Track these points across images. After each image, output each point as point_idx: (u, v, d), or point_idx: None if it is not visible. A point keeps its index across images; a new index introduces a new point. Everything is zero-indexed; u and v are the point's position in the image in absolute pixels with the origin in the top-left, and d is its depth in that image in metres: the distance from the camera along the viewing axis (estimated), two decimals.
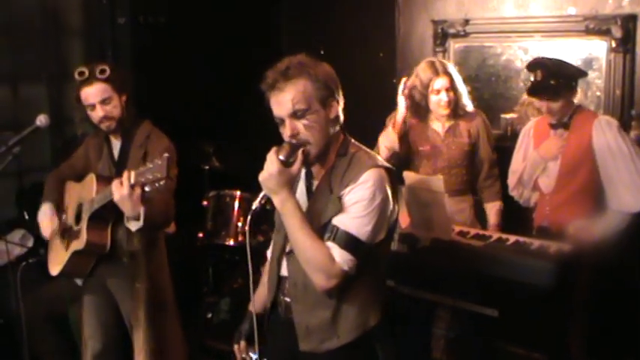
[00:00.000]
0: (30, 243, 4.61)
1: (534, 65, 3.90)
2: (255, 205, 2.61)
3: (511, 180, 4.20)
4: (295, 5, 6.07)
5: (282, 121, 2.53)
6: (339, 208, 2.51)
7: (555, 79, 3.78)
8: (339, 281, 2.47)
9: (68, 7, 5.30)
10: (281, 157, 2.46)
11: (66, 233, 3.75)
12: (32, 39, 5.10)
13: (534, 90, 3.89)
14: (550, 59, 3.92)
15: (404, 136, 4.37)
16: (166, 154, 3.00)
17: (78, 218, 3.65)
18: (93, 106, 3.59)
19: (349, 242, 2.46)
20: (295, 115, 2.50)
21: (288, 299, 2.69)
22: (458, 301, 3.63)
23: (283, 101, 2.50)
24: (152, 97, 5.04)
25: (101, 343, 3.89)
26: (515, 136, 5.04)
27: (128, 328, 3.82)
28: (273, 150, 2.49)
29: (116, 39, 5.21)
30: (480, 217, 4.44)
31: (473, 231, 3.86)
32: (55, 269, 3.77)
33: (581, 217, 3.81)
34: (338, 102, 2.61)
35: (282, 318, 2.73)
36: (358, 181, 2.50)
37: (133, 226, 3.36)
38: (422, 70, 4.29)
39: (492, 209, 4.42)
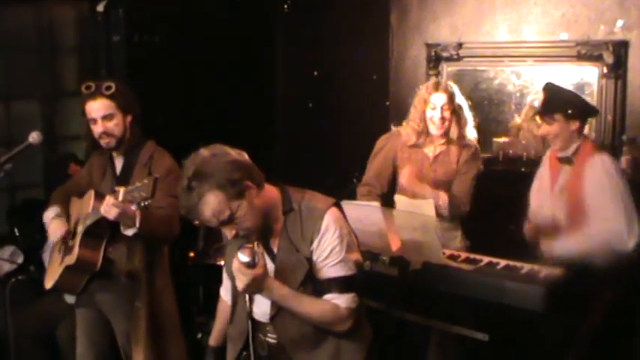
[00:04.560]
0: (20, 260, 4.58)
1: (543, 87, 3.94)
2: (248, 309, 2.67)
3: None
4: (290, 28, 6.09)
5: (218, 229, 2.60)
6: (309, 268, 2.61)
7: (553, 104, 3.81)
8: (353, 319, 2.63)
9: (63, 24, 5.30)
10: (247, 261, 2.48)
11: (63, 247, 3.74)
12: (27, 56, 5.11)
13: (536, 110, 3.95)
14: (557, 86, 3.94)
15: (389, 160, 4.37)
16: (155, 175, 3.07)
17: (74, 233, 3.65)
18: (95, 121, 3.61)
19: (344, 284, 2.60)
20: (224, 223, 2.53)
21: (272, 340, 2.73)
22: (448, 325, 3.63)
23: (207, 220, 2.52)
24: (146, 115, 5.04)
25: None
26: (506, 159, 5.08)
27: (121, 348, 3.79)
28: (237, 262, 2.50)
29: (111, 57, 5.21)
30: (471, 242, 4.43)
31: (463, 255, 3.85)
32: (49, 283, 3.75)
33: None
34: (254, 179, 2.58)
35: (264, 357, 2.76)
36: (321, 230, 2.59)
37: (130, 231, 3.39)
38: (424, 87, 4.30)
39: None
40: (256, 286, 2.52)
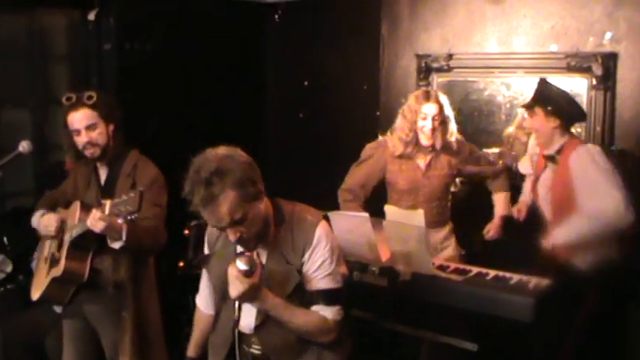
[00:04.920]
0: (9, 269, 4.57)
1: (537, 82, 4.04)
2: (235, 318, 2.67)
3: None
4: (281, 37, 6.11)
5: (223, 229, 2.60)
6: (300, 279, 2.65)
7: (537, 98, 3.93)
8: (338, 330, 2.69)
9: (54, 32, 5.30)
10: (244, 269, 2.51)
11: (49, 258, 3.73)
12: (17, 64, 5.10)
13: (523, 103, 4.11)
14: (549, 82, 4.03)
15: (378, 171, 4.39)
16: (140, 188, 3.09)
17: (60, 244, 3.64)
18: (78, 132, 3.61)
19: (331, 297, 2.65)
20: (235, 223, 2.54)
21: (256, 351, 2.75)
22: (437, 335, 3.63)
23: (220, 218, 2.52)
24: (137, 123, 5.02)
25: None
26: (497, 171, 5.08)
27: (107, 359, 3.78)
28: (233, 269, 2.52)
29: (102, 65, 5.21)
30: (461, 242, 4.47)
31: (453, 265, 3.87)
32: (35, 294, 3.75)
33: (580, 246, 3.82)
34: (261, 188, 2.62)
35: None
36: (313, 243, 2.64)
37: (117, 244, 3.39)
38: (414, 96, 4.32)
39: (498, 200, 4.51)
40: (252, 294, 2.54)
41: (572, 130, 4.04)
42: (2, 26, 4.97)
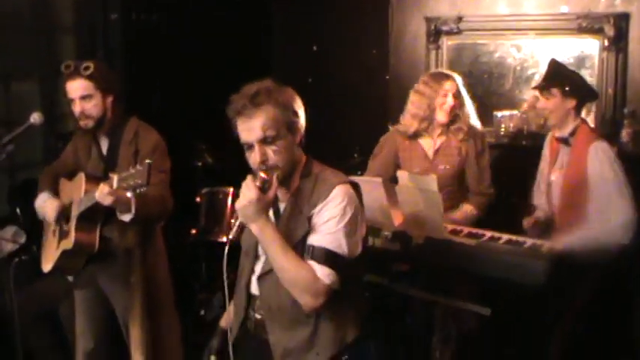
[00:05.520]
0: (22, 240, 4.59)
1: (548, 62, 3.97)
2: (232, 235, 2.63)
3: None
4: (288, 3, 6.06)
5: (251, 146, 2.54)
6: (309, 228, 2.55)
7: (553, 78, 3.83)
8: (325, 298, 2.49)
9: (59, 3, 5.27)
10: (258, 184, 2.47)
11: (57, 230, 3.75)
12: (23, 36, 5.08)
13: (536, 84, 4.00)
14: (561, 63, 3.98)
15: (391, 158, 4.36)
16: (148, 161, 3.03)
17: (67, 217, 3.65)
18: (73, 101, 3.60)
19: (327, 257, 2.50)
20: (265, 141, 2.51)
21: (258, 316, 2.70)
22: (450, 300, 3.65)
23: (253, 128, 2.51)
24: (144, 93, 5.03)
25: (93, 340, 3.89)
26: (508, 133, 5.07)
27: (122, 325, 3.82)
28: (249, 178, 2.49)
29: (108, 36, 5.19)
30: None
31: (466, 229, 3.85)
32: (47, 266, 3.77)
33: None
34: (301, 125, 2.62)
35: (252, 333, 2.74)
36: (328, 198, 2.54)
37: (126, 217, 3.39)
38: (431, 75, 4.27)
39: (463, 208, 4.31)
40: (253, 210, 2.47)
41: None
42: None
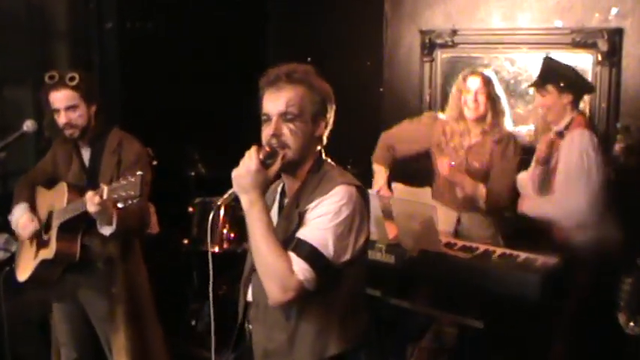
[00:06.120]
0: (13, 248, 4.54)
1: (542, 59, 4.01)
2: (220, 200, 2.54)
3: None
4: (283, 13, 6.07)
5: (269, 118, 2.48)
6: (298, 223, 2.45)
7: (547, 75, 3.88)
8: (295, 295, 2.34)
9: (55, 10, 5.25)
10: (261, 157, 2.40)
11: (35, 240, 3.71)
12: (18, 42, 5.06)
13: (532, 82, 4.05)
14: (554, 59, 4.02)
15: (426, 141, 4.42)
16: (140, 172, 3.00)
17: (47, 226, 3.62)
18: (58, 111, 3.59)
19: (308, 253, 2.36)
20: (285, 116, 2.45)
21: (252, 326, 2.66)
22: (444, 313, 3.64)
23: (278, 99, 2.46)
24: (138, 102, 5.02)
25: (75, 351, 3.88)
26: None
27: (100, 335, 3.79)
28: (254, 148, 2.42)
29: (103, 44, 5.18)
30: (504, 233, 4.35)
31: (460, 243, 3.87)
32: (22, 276, 3.72)
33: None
34: (327, 123, 2.58)
35: (248, 345, 2.69)
36: (325, 195, 2.43)
37: (106, 230, 3.37)
38: (460, 75, 4.33)
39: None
40: (249, 180, 2.37)
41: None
42: (3, 3, 4.93)
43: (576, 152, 3.73)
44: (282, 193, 2.64)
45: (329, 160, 2.62)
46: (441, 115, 4.49)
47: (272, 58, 6.09)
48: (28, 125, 3.65)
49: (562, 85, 3.81)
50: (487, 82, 4.17)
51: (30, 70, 5.14)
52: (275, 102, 2.47)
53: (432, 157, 4.39)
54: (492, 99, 4.17)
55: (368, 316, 2.67)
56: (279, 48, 6.09)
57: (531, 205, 3.96)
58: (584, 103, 4.45)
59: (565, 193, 3.77)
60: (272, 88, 2.49)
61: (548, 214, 3.88)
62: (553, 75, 3.86)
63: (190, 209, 5.10)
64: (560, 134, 3.87)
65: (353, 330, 2.56)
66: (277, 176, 2.55)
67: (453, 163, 4.16)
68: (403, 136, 4.50)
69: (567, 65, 4.02)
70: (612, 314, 3.58)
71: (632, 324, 3.30)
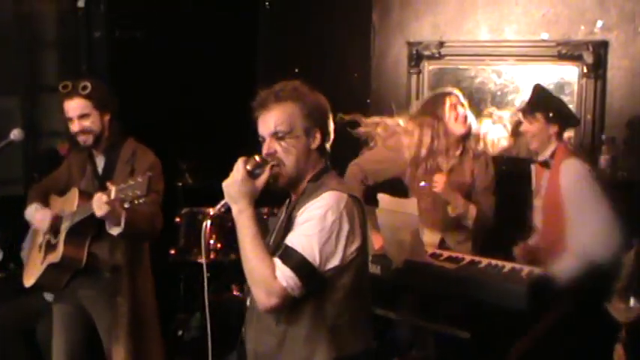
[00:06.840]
0: (0, 257, 4.56)
1: (532, 87, 3.99)
2: (213, 211, 2.60)
3: None
4: (271, 25, 6.09)
5: (264, 140, 2.56)
6: (290, 228, 2.50)
7: (537, 103, 3.86)
8: (279, 301, 2.38)
9: (43, 19, 5.27)
10: (248, 167, 2.47)
11: (43, 246, 3.72)
12: (7, 51, 5.06)
13: (521, 107, 4.02)
14: (545, 89, 4.03)
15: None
16: (148, 173, 3.08)
17: (56, 230, 3.63)
18: (72, 120, 3.64)
19: (293, 259, 2.39)
20: (276, 135, 2.52)
21: (246, 329, 2.70)
22: (430, 323, 3.65)
23: (267, 120, 2.53)
24: (126, 112, 5.00)
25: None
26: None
27: (104, 345, 3.78)
28: (242, 159, 2.49)
29: (92, 53, 5.18)
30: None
31: (446, 253, 3.88)
32: (29, 281, 3.74)
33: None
34: (325, 133, 2.61)
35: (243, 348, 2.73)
36: (313, 200, 2.46)
37: (115, 231, 3.39)
38: (432, 96, 4.31)
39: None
40: (236, 190, 2.44)
41: None
42: None
43: (576, 183, 3.67)
44: (289, 205, 2.68)
45: (333, 172, 2.65)
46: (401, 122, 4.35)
47: (261, 70, 6.11)
48: (16, 134, 3.68)
49: (551, 114, 3.81)
50: (459, 98, 4.20)
51: (19, 79, 5.15)
52: (265, 124, 2.55)
53: (409, 181, 4.28)
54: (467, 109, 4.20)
55: (369, 332, 2.70)
56: (267, 59, 6.10)
57: (560, 268, 3.60)
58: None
59: (585, 236, 3.57)
60: (262, 109, 2.56)
61: (574, 273, 3.57)
62: (543, 104, 3.85)
63: (177, 219, 5.10)
64: (546, 163, 3.86)
65: (345, 341, 2.55)
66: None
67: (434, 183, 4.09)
68: (372, 168, 4.31)
69: (558, 98, 4.06)
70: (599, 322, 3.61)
71: (632, 300, 3.16)
